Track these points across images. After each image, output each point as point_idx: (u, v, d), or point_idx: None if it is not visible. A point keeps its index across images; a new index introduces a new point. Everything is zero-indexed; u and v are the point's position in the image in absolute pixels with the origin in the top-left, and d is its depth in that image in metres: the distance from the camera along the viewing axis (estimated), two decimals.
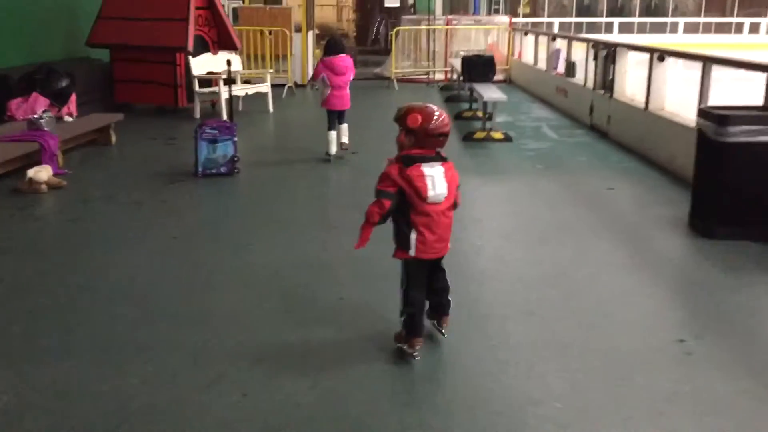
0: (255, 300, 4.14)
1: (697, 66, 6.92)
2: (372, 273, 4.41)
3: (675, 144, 7.24)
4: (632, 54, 9.24)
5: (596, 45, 10.09)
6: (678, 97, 8.44)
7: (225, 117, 10.33)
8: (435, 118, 3.32)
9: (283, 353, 3.53)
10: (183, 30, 10.51)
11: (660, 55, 7.94)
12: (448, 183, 3.33)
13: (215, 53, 11.33)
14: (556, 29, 25.78)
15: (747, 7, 31.76)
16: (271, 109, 11.38)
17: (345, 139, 7.90)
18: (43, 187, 6.34)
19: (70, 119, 8.58)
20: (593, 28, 30.80)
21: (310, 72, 15.67)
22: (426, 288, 3.51)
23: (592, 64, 10.15)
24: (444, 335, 3.63)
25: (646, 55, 8.43)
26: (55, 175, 6.89)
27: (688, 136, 6.89)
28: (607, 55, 9.56)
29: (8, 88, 8.48)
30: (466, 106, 11.83)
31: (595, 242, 5.24)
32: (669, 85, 8.03)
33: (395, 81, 14.92)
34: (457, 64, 13.43)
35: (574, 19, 31.02)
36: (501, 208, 6.24)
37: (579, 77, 11.13)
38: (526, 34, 15.48)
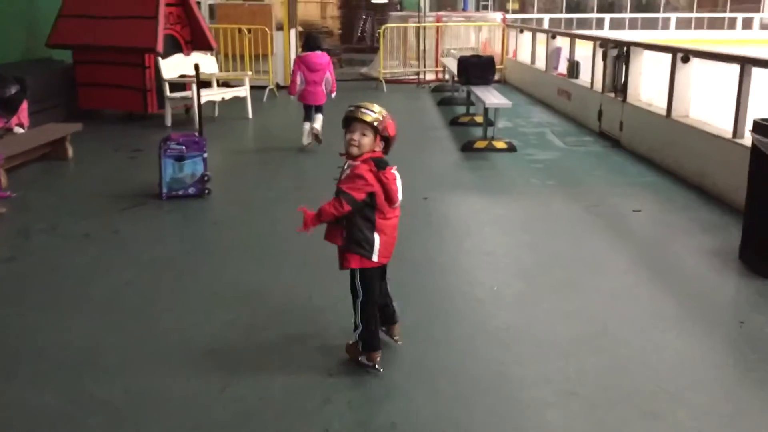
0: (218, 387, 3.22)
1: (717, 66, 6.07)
2: None
3: (705, 157, 6.39)
4: (648, 53, 8.37)
5: (605, 43, 9.23)
6: (701, 101, 7.61)
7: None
8: (390, 122, 3.25)
9: None
10: (152, 29, 9.54)
11: (684, 55, 7.08)
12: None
13: (188, 54, 10.36)
14: (545, 25, 25.00)
15: (739, 2, 31.12)
16: (250, 114, 10.43)
17: (317, 125, 8.10)
18: None
19: (21, 130, 7.59)
20: (584, 24, 30.08)
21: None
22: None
23: (600, 64, 9.29)
24: (398, 343, 3.48)
25: (662, 54, 7.59)
26: None
27: (721, 147, 6.05)
28: (619, 55, 8.71)
29: None
30: (461, 110, 10.97)
31: (634, 285, 4.37)
32: (694, 89, 7.18)
33: (384, 82, 14.00)
34: (451, 64, 12.55)
35: (564, 15, 30.26)
36: (514, 238, 5.35)
37: (584, 78, 10.28)
38: (521, 31, 14.61)
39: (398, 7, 23.81)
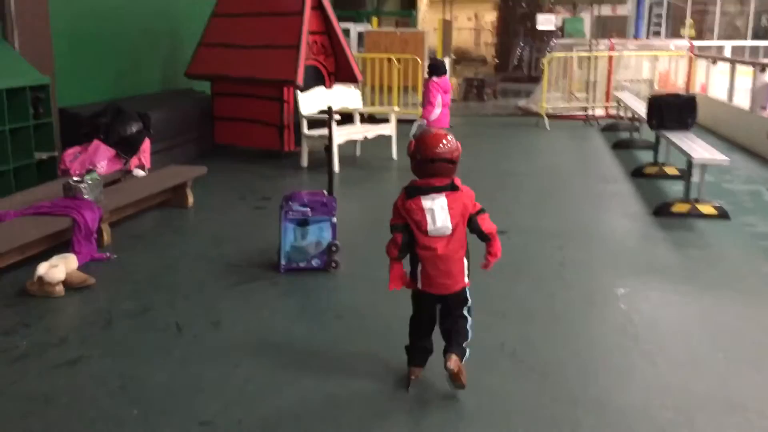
0: None
1: None
2: None
3: None
4: None
5: None
6: None
7: (336, 168, 8.29)
8: (429, 142, 3.13)
9: None
10: (292, 59, 8.58)
11: None
12: (453, 215, 3.12)
13: (330, 86, 9.34)
14: (727, 54, 22.19)
15: None
16: (395, 155, 9.20)
17: None
18: (58, 288, 4.43)
19: (142, 173, 6.78)
20: None
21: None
22: (436, 323, 3.36)
23: None
24: (446, 368, 3.16)
25: None
26: (90, 261, 5.02)
27: None
28: None
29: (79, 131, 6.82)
30: (644, 156, 9.14)
31: None
32: None
33: (546, 118, 12.37)
34: (628, 99, 10.74)
35: (749, 43, 26.91)
36: (765, 376, 3.62)
37: None
38: (714, 62, 12.45)
39: (559, 33, 22.06)
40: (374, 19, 14.15)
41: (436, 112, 8.39)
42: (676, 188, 7.52)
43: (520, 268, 5.06)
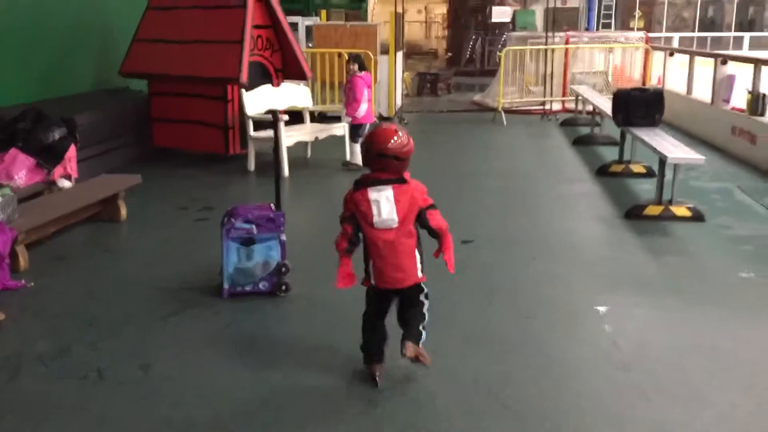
0: None
1: None
2: None
3: None
4: None
5: None
6: None
7: (286, 173, 7.72)
8: (379, 137, 3.14)
9: None
10: (236, 55, 7.95)
11: None
12: (400, 208, 3.11)
13: (278, 84, 8.74)
14: (675, 45, 22.25)
15: None
16: (348, 156, 8.63)
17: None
18: None
19: (68, 184, 6.11)
20: (718, 44, 26.92)
21: (398, 101, 13.02)
22: (397, 318, 3.36)
23: None
24: (403, 355, 3.19)
25: None
26: (2, 291, 4.37)
27: None
28: None
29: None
30: (607, 153, 8.83)
31: None
32: None
33: (503, 113, 11.97)
34: (587, 93, 10.43)
35: (696, 34, 27.20)
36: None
37: None
38: (671, 54, 12.23)
39: (510, 26, 21.77)
40: (323, 12, 13.52)
41: (363, 108, 8.08)
42: (644, 187, 7.18)
43: (492, 285, 4.59)
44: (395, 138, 3.12)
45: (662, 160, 6.02)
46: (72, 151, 6.20)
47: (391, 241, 3.12)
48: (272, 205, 4.53)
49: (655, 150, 6.11)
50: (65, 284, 4.63)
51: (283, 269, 4.39)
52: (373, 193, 3.11)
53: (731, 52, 21.11)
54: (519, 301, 4.38)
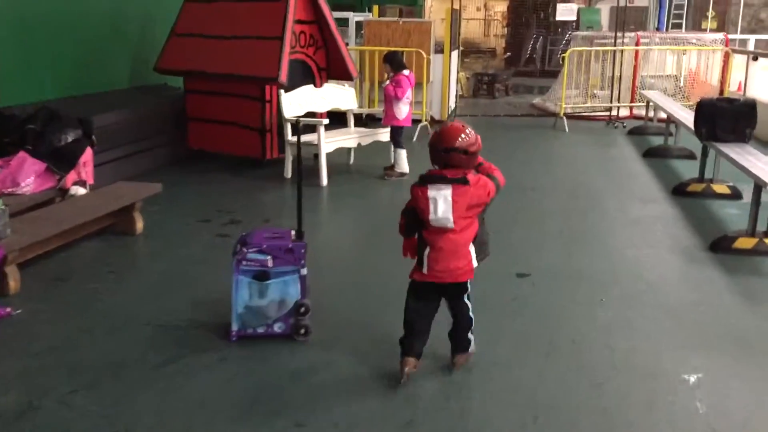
0: None
1: None
2: None
3: None
4: None
5: None
6: None
7: (324, 181, 7.04)
8: (448, 133, 3.16)
9: None
10: (275, 53, 7.31)
11: None
12: (457, 208, 3.11)
13: (320, 85, 8.07)
14: (751, 48, 20.78)
15: None
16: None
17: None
18: None
19: (82, 191, 5.55)
20: None
21: (452, 104, 12.22)
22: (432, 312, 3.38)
23: None
24: (451, 373, 3.28)
25: None
26: None
27: None
28: None
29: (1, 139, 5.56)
30: (683, 168, 7.89)
31: None
32: None
33: (565, 119, 11.06)
34: (659, 99, 9.47)
35: None
36: None
37: None
38: (755, 58, 11.11)
39: (574, 25, 20.70)
40: (375, 8, 12.81)
41: (405, 109, 7.43)
42: (731, 212, 6.27)
43: (552, 337, 3.80)
44: (463, 135, 3.14)
45: (758, 186, 5.10)
46: (88, 155, 5.64)
47: (446, 240, 3.16)
48: (293, 232, 3.83)
49: (749, 173, 5.20)
50: (56, 313, 4.02)
51: (302, 309, 3.70)
52: (432, 191, 3.12)
53: None
54: (585, 361, 3.58)
